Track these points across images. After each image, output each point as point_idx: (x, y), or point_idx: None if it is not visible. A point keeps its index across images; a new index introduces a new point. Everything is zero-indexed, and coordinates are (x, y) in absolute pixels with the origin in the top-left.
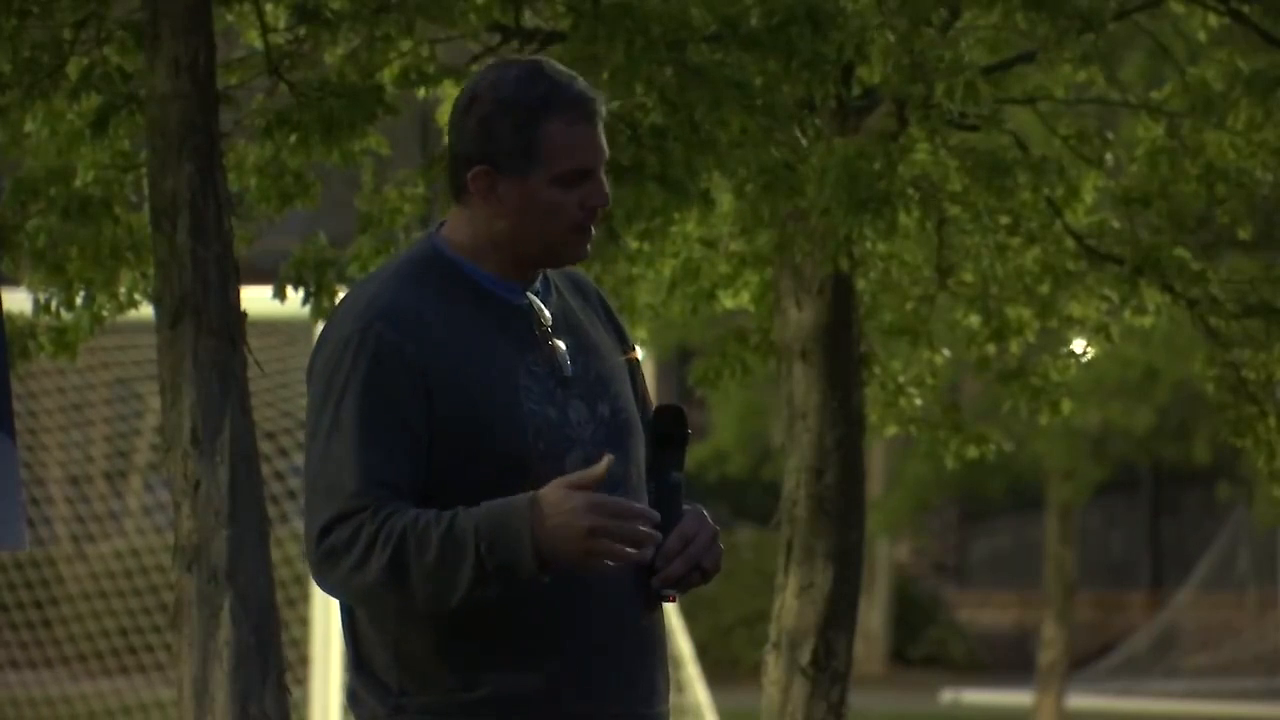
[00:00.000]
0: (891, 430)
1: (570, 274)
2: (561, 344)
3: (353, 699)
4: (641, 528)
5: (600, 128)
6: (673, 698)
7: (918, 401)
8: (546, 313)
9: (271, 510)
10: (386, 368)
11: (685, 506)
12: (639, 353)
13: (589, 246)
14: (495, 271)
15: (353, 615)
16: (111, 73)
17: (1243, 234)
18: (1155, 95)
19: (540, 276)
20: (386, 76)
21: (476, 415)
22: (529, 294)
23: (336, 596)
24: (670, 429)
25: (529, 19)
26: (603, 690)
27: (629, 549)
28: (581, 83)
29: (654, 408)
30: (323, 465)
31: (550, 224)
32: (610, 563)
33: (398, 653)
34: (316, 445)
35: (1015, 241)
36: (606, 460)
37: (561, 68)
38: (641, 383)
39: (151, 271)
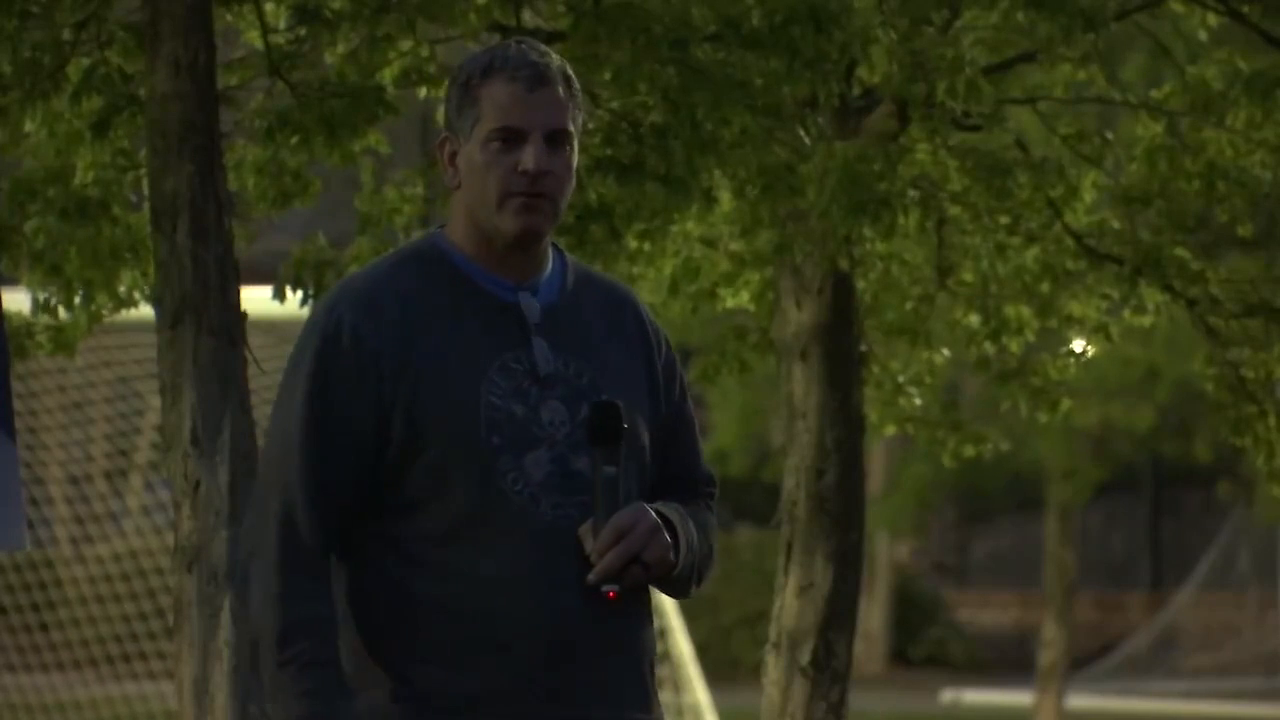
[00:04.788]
0: (891, 429)
1: (606, 282)
2: (544, 343)
3: None
4: None
5: (547, 96)
6: (673, 698)
7: (917, 401)
8: (536, 310)
9: None
10: (338, 349)
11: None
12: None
13: (536, 220)
14: (484, 263)
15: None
16: (113, 74)
17: (1243, 232)
18: (1155, 95)
19: (551, 274)
20: (387, 76)
21: (430, 403)
22: (521, 291)
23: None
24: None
25: (529, 19)
26: (540, 693)
27: None
28: (539, 54)
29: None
30: (273, 433)
31: (484, 188)
32: None
33: (348, 647)
34: (276, 414)
35: (1015, 241)
36: None
37: (534, 44)
38: (666, 410)
39: (151, 271)
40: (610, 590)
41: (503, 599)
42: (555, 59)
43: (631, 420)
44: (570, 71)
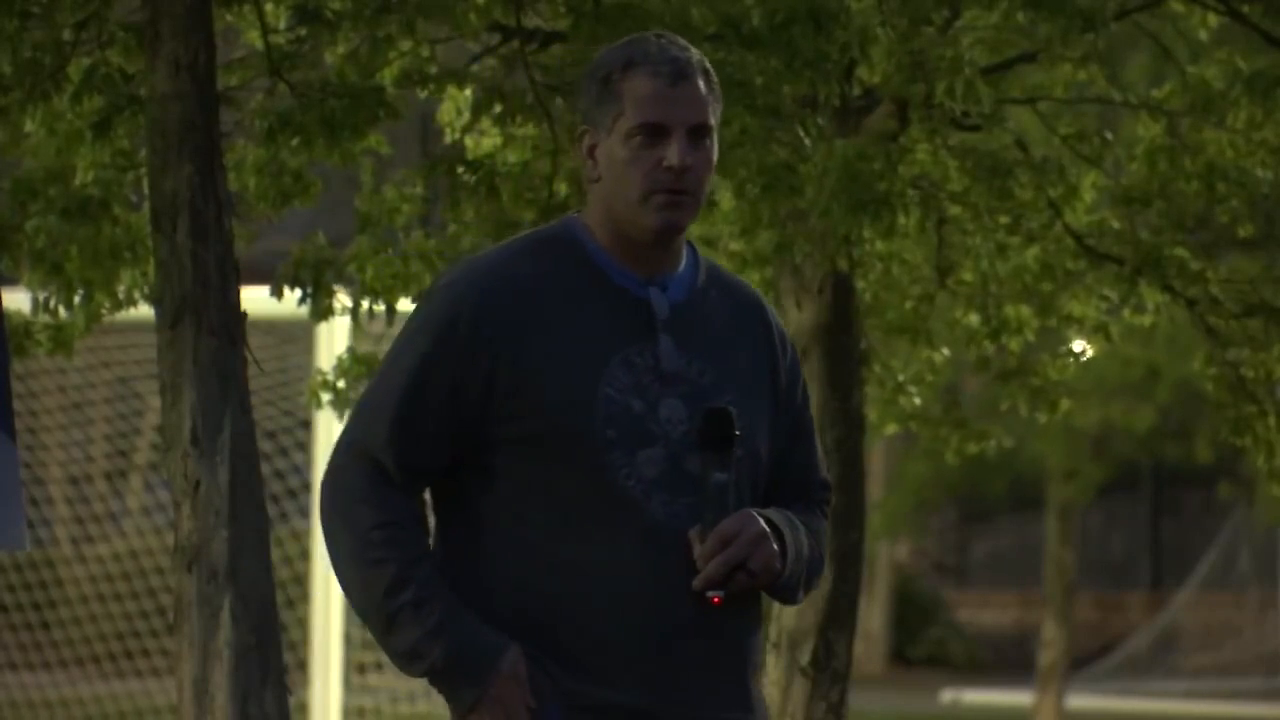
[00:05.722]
0: (891, 428)
1: (735, 283)
2: (670, 340)
3: None
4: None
5: (689, 91)
6: None
7: (917, 400)
8: (665, 306)
9: (271, 510)
10: (454, 333)
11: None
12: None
13: (679, 215)
14: (617, 255)
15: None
16: (113, 74)
17: (1243, 232)
18: (1155, 94)
19: (683, 272)
20: (387, 77)
21: (545, 393)
22: (652, 286)
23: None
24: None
25: (529, 19)
26: (641, 689)
27: None
28: (680, 48)
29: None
30: (376, 385)
31: (626, 184)
32: None
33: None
34: (381, 367)
35: (1015, 241)
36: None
37: (673, 38)
38: (786, 416)
39: (151, 271)
40: (715, 596)
41: (608, 593)
42: (694, 53)
43: (749, 424)
44: (709, 65)
